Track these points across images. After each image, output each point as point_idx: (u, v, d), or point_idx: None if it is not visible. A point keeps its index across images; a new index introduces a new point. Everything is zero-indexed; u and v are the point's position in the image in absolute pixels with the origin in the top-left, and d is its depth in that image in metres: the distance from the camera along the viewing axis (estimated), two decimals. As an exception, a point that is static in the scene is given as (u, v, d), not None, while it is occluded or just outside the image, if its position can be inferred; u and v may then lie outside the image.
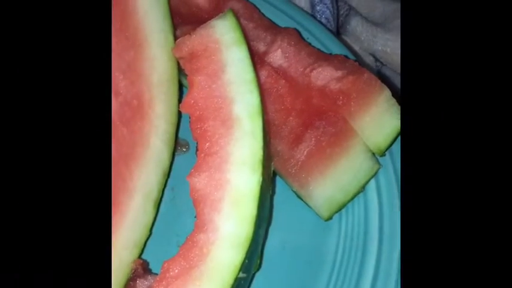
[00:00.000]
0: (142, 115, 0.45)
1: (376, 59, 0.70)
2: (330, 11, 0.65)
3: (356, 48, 0.70)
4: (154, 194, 0.45)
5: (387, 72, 0.70)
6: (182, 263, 0.40)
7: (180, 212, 0.49)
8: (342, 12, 0.70)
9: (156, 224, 0.48)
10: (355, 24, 0.69)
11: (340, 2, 0.70)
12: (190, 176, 0.42)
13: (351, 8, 0.70)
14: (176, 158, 0.50)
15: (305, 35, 0.55)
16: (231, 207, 0.40)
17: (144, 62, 0.45)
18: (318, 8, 0.64)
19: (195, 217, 0.41)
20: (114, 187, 0.42)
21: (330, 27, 0.66)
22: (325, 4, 0.64)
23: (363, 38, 0.69)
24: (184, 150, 0.51)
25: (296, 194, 0.48)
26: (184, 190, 0.43)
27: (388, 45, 0.69)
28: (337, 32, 0.69)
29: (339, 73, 0.47)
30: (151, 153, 0.45)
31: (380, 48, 0.69)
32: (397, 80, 0.70)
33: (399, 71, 0.69)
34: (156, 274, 0.43)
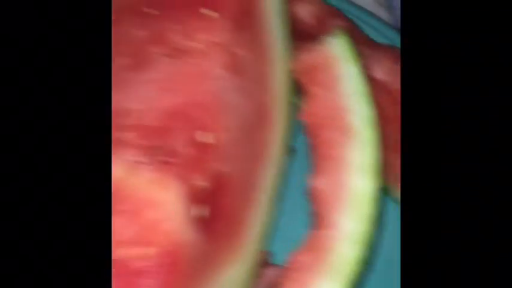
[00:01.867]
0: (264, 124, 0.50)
1: None
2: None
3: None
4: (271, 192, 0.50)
5: None
6: (308, 256, 0.44)
7: (293, 210, 0.53)
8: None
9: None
10: None
11: None
12: (311, 178, 0.47)
13: None
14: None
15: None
16: (350, 208, 0.45)
17: (271, 75, 0.50)
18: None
19: (313, 215, 0.46)
20: (248, 184, 0.47)
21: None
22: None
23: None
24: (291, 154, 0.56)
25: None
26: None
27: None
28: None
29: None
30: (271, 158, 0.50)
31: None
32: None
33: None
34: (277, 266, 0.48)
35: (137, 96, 0.46)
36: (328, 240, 0.44)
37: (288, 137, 0.52)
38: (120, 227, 0.42)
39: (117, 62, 0.46)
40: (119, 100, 0.45)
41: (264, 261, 0.47)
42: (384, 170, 0.51)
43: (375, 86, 0.54)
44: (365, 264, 0.44)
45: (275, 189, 0.51)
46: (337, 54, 0.49)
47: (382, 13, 0.68)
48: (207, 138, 0.46)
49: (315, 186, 0.46)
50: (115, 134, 0.43)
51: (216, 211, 0.45)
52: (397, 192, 0.52)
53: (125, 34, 0.48)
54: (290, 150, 0.55)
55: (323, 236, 0.45)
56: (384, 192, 0.48)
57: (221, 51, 0.48)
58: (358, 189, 0.45)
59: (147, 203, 0.43)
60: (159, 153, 0.45)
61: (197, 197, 0.44)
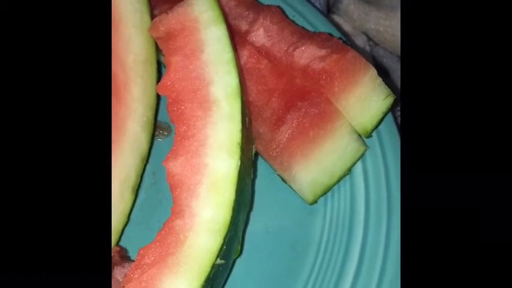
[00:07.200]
0: (118, 98, 0.43)
1: (369, 38, 0.68)
2: (321, -11, 0.63)
3: (348, 27, 0.68)
4: (131, 180, 0.44)
5: (380, 51, 0.68)
6: (158, 250, 0.38)
7: (161, 198, 0.47)
8: (333, -10, 0.68)
9: (137, 210, 0.47)
10: (347, 3, 0.67)
11: (331, -20, 0.68)
12: (167, 160, 0.41)
13: (342, -15, 0.68)
14: (157, 142, 0.49)
15: (291, 13, 0.53)
16: (208, 192, 0.39)
17: (119, 43, 0.43)
18: (308, -15, 0.62)
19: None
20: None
21: (320, 5, 0.64)
22: (316, -18, 0.62)
23: (355, 17, 0.67)
24: (166, 134, 0.50)
25: (280, 177, 0.47)
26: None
27: (380, 24, 0.67)
28: (329, 11, 0.67)
29: (323, 52, 0.45)
30: (128, 138, 0.44)
31: (373, 26, 0.67)
32: (390, 60, 0.67)
33: (392, 50, 0.67)
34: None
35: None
36: (182, 231, 0.39)
37: (152, 115, 0.46)
38: None
39: None
40: None
41: (115, 258, 0.41)
42: (253, 141, 0.46)
43: (251, 51, 0.48)
44: (225, 255, 0.39)
45: (136, 176, 0.45)
46: (199, 17, 0.43)
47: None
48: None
49: (171, 170, 0.40)
50: None
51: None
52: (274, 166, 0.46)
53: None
54: (162, 130, 0.49)
55: (177, 227, 0.39)
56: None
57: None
58: (217, 172, 0.39)
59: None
60: None
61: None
